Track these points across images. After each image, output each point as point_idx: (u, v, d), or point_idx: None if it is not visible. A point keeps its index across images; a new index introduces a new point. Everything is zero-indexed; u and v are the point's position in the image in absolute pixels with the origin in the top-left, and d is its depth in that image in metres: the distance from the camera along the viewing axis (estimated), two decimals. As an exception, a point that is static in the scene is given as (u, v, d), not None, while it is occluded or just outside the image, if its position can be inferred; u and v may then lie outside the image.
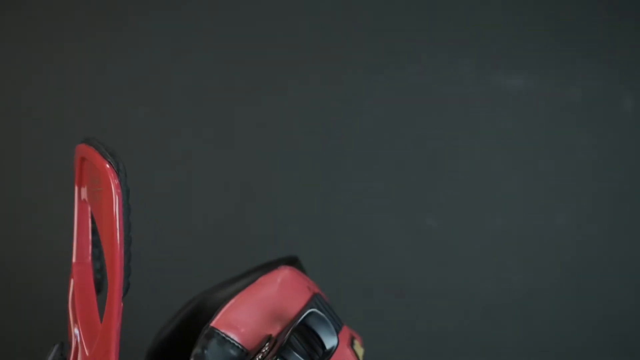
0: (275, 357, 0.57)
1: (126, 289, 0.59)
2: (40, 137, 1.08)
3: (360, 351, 0.64)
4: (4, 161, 1.09)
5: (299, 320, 0.58)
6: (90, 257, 0.67)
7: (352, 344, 0.64)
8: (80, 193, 0.65)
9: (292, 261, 0.68)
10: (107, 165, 0.57)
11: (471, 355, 1.07)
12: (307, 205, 1.08)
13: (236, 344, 0.59)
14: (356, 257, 1.06)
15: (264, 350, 0.58)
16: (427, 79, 1.07)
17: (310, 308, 0.61)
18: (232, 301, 0.61)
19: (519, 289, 1.07)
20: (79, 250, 0.66)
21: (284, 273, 0.63)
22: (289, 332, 0.57)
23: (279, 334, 0.59)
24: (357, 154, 1.08)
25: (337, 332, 0.62)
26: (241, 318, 0.60)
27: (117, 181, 0.57)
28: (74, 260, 0.66)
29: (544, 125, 1.07)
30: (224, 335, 0.59)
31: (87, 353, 0.60)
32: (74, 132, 1.02)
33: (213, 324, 0.59)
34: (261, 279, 0.62)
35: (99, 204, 0.59)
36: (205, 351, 0.58)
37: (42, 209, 1.07)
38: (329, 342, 0.58)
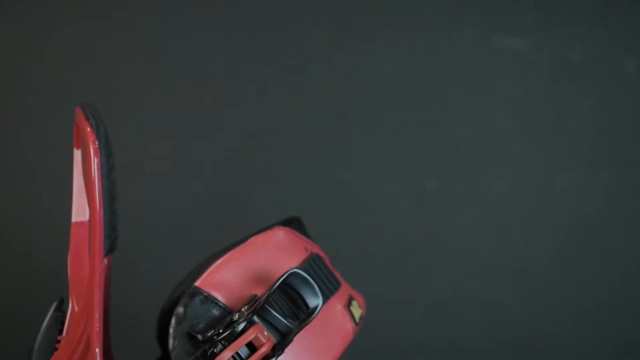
0: (251, 315, 0.57)
1: (108, 247, 0.60)
2: (41, 100, 1.09)
3: (357, 312, 0.64)
4: (5, 122, 1.09)
5: (280, 280, 0.58)
6: (88, 216, 0.67)
7: (349, 304, 0.64)
8: (76, 155, 0.66)
9: (294, 221, 0.67)
10: (88, 128, 0.58)
11: (471, 316, 1.07)
12: (308, 169, 1.08)
13: (219, 304, 0.59)
14: (357, 220, 1.06)
15: (243, 310, 0.58)
16: (427, 41, 1.06)
17: (304, 268, 0.62)
18: (218, 261, 0.61)
19: (519, 252, 1.07)
20: (77, 210, 0.66)
21: (277, 233, 0.63)
22: (268, 291, 0.58)
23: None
24: (357, 117, 1.08)
25: (332, 293, 0.62)
26: (226, 278, 0.60)
27: (95, 143, 0.58)
28: (72, 219, 0.66)
29: (544, 87, 1.06)
30: (206, 294, 0.59)
31: (76, 309, 0.61)
32: (76, 93, 1.04)
33: (197, 283, 0.60)
34: (252, 239, 0.62)
35: (85, 165, 0.60)
36: (187, 309, 0.59)
37: (44, 171, 1.08)
38: (312, 301, 0.58)
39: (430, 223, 1.07)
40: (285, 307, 0.59)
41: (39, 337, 0.65)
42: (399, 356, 1.04)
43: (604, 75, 1.05)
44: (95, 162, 0.58)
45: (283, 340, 0.57)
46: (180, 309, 0.59)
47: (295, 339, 0.59)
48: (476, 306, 1.07)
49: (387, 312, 0.97)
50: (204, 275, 0.60)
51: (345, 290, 0.65)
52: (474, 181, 1.07)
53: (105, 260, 0.61)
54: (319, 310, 0.58)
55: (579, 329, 1.07)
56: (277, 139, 1.08)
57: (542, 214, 1.06)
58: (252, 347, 0.57)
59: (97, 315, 0.60)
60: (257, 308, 0.57)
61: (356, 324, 0.63)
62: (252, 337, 0.57)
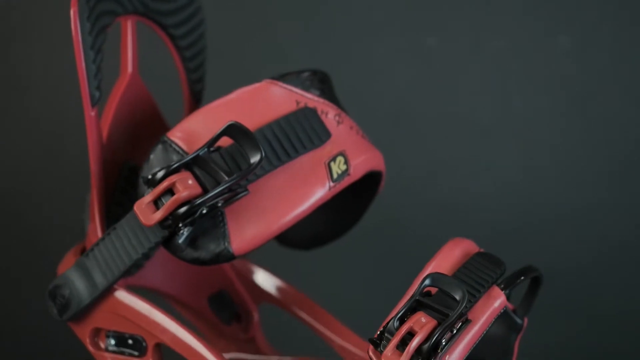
0: (182, 163, 0.58)
1: (96, 99, 0.62)
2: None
3: (340, 168, 0.62)
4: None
5: (219, 133, 0.58)
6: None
7: (332, 160, 0.62)
8: None
9: (309, 75, 0.65)
10: None
11: (470, 176, 1.06)
12: (308, 25, 1.07)
13: (181, 152, 0.60)
14: (356, 77, 1.04)
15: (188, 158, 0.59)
16: None
17: (277, 123, 0.61)
18: (195, 112, 0.62)
19: (520, 111, 1.05)
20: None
21: (263, 87, 0.62)
22: (207, 142, 0.58)
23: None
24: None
25: (306, 148, 0.61)
26: (197, 129, 0.61)
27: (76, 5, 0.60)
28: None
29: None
30: (171, 142, 0.60)
31: None
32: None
33: (168, 133, 0.61)
34: (234, 92, 0.62)
35: None
36: (152, 156, 0.61)
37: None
38: (252, 155, 0.58)
39: (430, 81, 1.05)
40: (221, 159, 0.59)
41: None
42: (396, 217, 1.03)
43: None
44: (74, 22, 0.60)
45: (211, 191, 0.58)
46: (150, 155, 0.61)
47: (259, 188, 0.60)
48: (474, 168, 1.06)
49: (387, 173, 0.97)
50: (177, 125, 0.62)
51: (335, 146, 0.63)
52: (475, 38, 1.04)
53: (93, 112, 0.63)
54: (256, 165, 0.57)
55: (579, 193, 1.05)
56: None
57: (544, 73, 1.04)
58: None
59: (95, 166, 0.64)
60: (191, 157, 0.58)
61: (334, 180, 0.62)
62: (170, 183, 0.58)
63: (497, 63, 1.04)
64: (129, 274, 0.70)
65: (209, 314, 0.75)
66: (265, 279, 0.75)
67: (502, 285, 0.59)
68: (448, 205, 1.05)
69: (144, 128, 0.70)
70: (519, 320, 0.63)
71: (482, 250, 0.61)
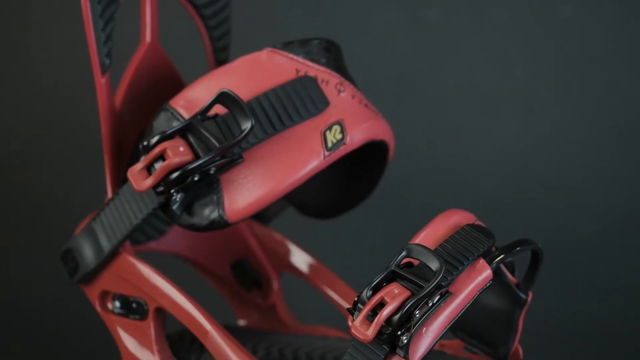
0: (174, 131, 0.59)
1: (106, 66, 0.63)
2: None
3: (335, 138, 0.62)
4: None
5: (210, 101, 0.59)
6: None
7: (328, 129, 0.62)
8: None
9: (320, 42, 0.65)
10: None
11: (471, 146, 1.05)
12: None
13: (181, 119, 0.61)
14: (355, 50, 1.00)
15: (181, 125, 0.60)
16: None
17: (274, 92, 0.61)
18: (197, 80, 0.62)
19: (521, 83, 1.04)
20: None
21: (262, 54, 0.63)
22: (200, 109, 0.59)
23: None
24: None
25: (302, 117, 0.61)
26: (197, 96, 0.61)
27: None
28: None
29: None
30: (172, 110, 0.61)
31: None
32: None
33: (170, 101, 0.62)
34: (236, 60, 0.63)
35: None
36: (153, 123, 0.62)
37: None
38: (243, 123, 0.58)
39: (431, 53, 1.04)
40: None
41: None
42: (397, 186, 1.02)
43: None
44: None
45: (202, 158, 0.58)
46: (153, 123, 0.62)
47: (254, 156, 0.60)
48: (475, 136, 1.06)
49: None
50: (180, 93, 0.62)
51: (333, 114, 0.63)
52: (476, 9, 1.03)
53: (103, 80, 0.64)
54: (246, 134, 0.58)
55: (580, 162, 1.04)
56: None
57: (546, 45, 1.03)
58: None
59: (106, 132, 0.65)
60: (184, 124, 0.59)
61: (328, 149, 0.61)
62: (161, 149, 0.59)
63: (498, 32, 1.04)
64: (152, 239, 0.72)
65: (231, 281, 0.76)
66: (287, 249, 0.76)
67: (497, 253, 0.58)
68: (449, 175, 1.05)
69: (165, 97, 0.71)
70: (522, 295, 0.62)
71: (477, 221, 0.60)
